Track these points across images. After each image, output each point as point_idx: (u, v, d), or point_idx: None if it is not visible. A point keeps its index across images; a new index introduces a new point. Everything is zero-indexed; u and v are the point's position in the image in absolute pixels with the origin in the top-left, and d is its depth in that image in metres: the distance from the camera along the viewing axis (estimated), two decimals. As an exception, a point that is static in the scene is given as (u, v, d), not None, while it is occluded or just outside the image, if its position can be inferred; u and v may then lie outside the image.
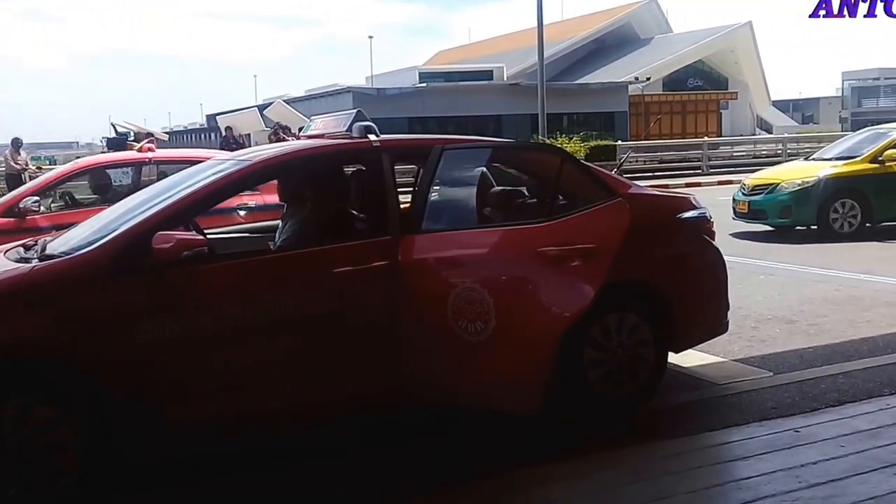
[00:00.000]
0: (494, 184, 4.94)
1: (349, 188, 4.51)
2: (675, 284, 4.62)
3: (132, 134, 20.97)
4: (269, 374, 3.74)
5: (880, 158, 11.24)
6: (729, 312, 5.07)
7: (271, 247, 4.48)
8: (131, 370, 3.48)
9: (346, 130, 4.34)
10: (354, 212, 4.49)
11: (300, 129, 17.14)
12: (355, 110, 4.44)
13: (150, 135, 21.59)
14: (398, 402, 4.08)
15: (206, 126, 55.99)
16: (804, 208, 11.20)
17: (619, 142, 27.15)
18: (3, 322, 3.35)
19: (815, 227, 11.25)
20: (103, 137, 24.79)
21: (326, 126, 4.66)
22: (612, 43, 55.15)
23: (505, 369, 3.91)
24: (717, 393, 4.85)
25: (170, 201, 3.89)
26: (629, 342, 4.43)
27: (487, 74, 42.64)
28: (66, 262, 3.59)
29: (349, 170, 4.78)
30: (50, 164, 32.81)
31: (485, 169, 4.85)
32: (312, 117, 5.15)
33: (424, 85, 39.13)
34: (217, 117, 29.94)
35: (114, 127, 21.42)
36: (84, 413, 3.41)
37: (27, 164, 18.71)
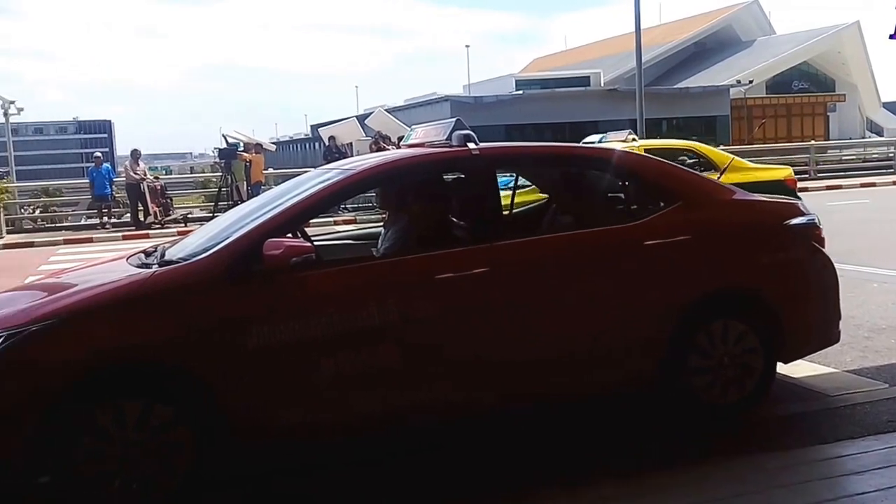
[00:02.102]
0: (585, 189, 4.93)
1: (449, 196, 4.59)
2: (784, 292, 4.50)
3: (241, 144, 21.96)
4: (373, 379, 3.81)
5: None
6: (840, 322, 4.86)
7: (374, 253, 4.60)
8: (242, 374, 3.61)
9: (446, 139, 4.41)
10: (454, 219, 4.56)
11: (399, 139, 17.43)
12: (455, 119, 4.51)
13: (259, 145, 22.57)
14: (499, 406, 4.13)
15: (310, 136, 57.69)
16: None
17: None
18: (126, 326, 3.55)
19: None
20: (215, 148, 25.98)
21: (427, 135, 4.75)
22: (712, 46, 53.68)
23: (622, 357, 4.17)
24: (829, 405, 4.67)
25: (279, 209, 4.04)
26: (735, 350, 4.36)
27: (584, 80, 42.28)
28: (184, 269, 3.78)
29: (449, 178, 4.85)
30: (166, 174, 34.75)
31: (575, 174, 4.86)
32: (413, 126, 5.25)
33: (521, 92, 39.17)
34: (320, 128, 30.82)
35: (224, 138, 22.47)
36: (198, 414, 3.57)
37: (145, 175, 19.77)
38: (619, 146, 11.36)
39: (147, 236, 16.95)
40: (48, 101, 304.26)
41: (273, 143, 37.23)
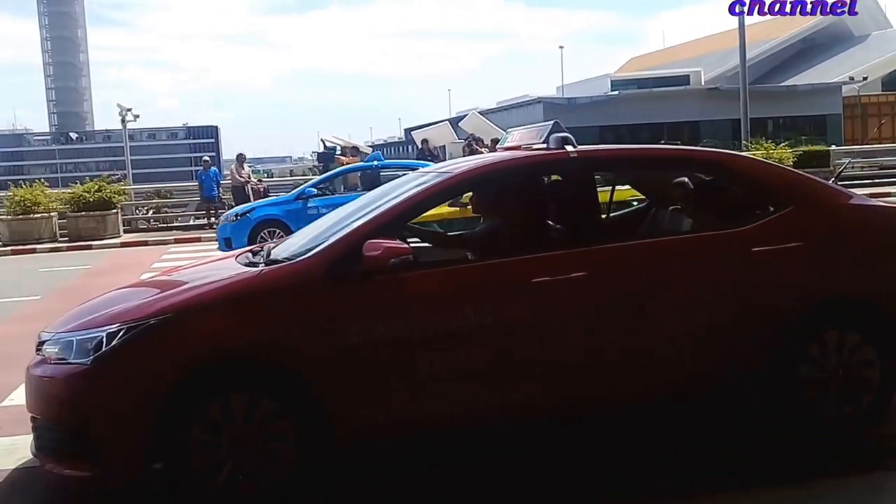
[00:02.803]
0: (688, 192, 4.80)
1: (546, 199, 4.55)
2: None
3: (339, 148, 22.50)
4: (468, 379, 3.83)
5: (461, 199, 9.56)
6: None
7: (470, 256, 4.60)
8: (341, 371, 3.69)
9: (543, 142, 4.38)
10: (552, 222, 4.53)
11: (493, 141, 17.37)
12: (552, 122, 4.47)
13: (355, 148, 23.06)
14: (593, 410, 4.08)
15: (404, 139, 58.54)
16: None
17: (834, 147, 25.15)
18: (234, 322, 3.68)
19: None
20: (313, 152, 26.75)
21: (523, 138, 4.72)
22: (822, 41, 51.37)
23: (725, 364, 4.07)
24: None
25: (378, 211, 4.10)
26: (851, 362, 4.14)
27: (683, 79, 41.22)
28: (288, 268, 3.89)
29: (547, 180, 4.82)
30: (268, 177, 36.11)
31: (677, 177, 4.73)
32: (509, 129, 5.24)
33: (616, 93, 38.50)
34: (413, 131, 31.20)
35: (323, 142, 23.08)
36: (301, 410, 3.66)
37: (249, 177, 20.49)
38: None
39: (250, 236, 17.55)
40: (161, 108, 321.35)
41: (369, 146, 37.97)
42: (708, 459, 4.02)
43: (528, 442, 4.22)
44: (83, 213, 18.71)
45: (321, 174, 21.09)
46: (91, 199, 18.75)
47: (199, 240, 18.21)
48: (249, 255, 4.51)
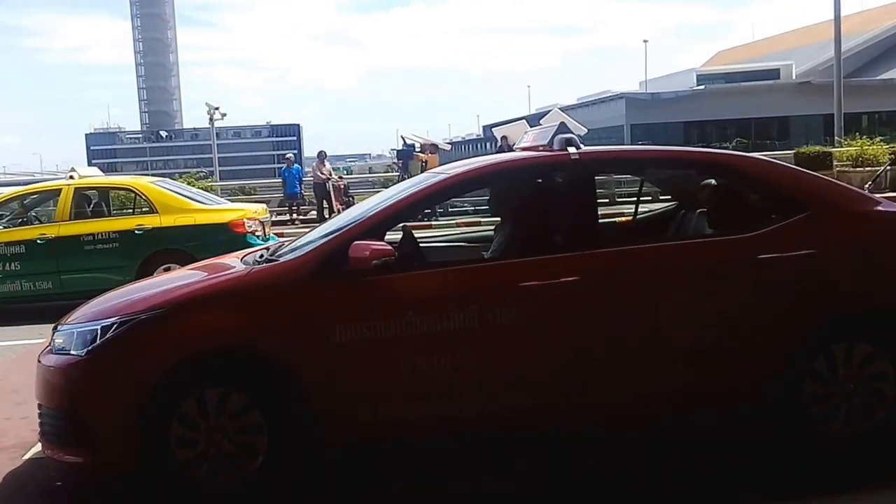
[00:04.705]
0: (693, 196, 4.63)
1: (545, 201, 4.48)
2: None
3: (417, 145, 22.63)
4: (450, 381, 3.81)
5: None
6: None
7: (484, 257, 4.57)
8: (328, 370, 3.74)
9: (548, 143, 4.32)
10: (548, 225, 4.45)
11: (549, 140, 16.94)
12: (559, 122, 4.42)
13: (434, 146, 23.17)
14: (574, 423, 3.99)
15: (482, 136, 58.59)
16: None
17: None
18: (219, 318, 3.78)
19: None
20: (392, 149, 27.13)
21: (536, 139, 4.66)
22: (923, 33, 48.24)
23: (727, 378, 3.91)
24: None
25: (372, 213, 4.15)
26: (861, 376, 3.93)
27: (773, 73, 39.70)
28: (277, 267, 3.97)
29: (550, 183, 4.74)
30: (347, 174, 36.83)
31: (681, 179, 4.58)
32: (526, 131, 5.18)
33: (702, 87, 37.35)
34: (493, 128, 31.20)
35: (402, 139, 23.28)
36: (284, 404, 3.71)
37: (331, 174, 20.88)
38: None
39: (331, 232, 17.88)
40: (245, 106, 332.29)
41: (447, 143, 38.14)
42: (715, 478, 3.90)
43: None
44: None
45: (399, 172, 21.34)
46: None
47: (282, 235, 18.64)
48: (264, 252, 4.59)
